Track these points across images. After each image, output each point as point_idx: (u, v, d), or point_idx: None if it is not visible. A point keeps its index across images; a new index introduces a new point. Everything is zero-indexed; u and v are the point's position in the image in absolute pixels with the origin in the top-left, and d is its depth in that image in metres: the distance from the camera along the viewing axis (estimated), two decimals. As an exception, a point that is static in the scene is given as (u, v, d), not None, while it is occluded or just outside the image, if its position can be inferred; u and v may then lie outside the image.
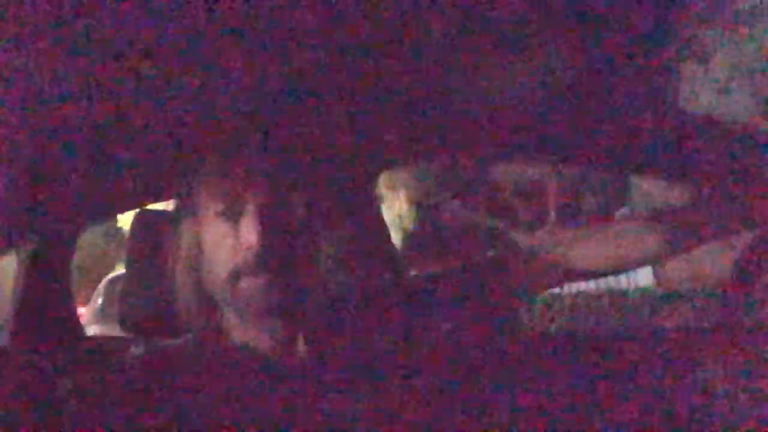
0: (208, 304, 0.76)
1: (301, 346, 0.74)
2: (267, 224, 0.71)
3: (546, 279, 0.89)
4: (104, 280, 3.06)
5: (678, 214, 0.90)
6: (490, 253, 0.93)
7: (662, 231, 0.85)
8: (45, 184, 0.95)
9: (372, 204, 1.01)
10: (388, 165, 1.31)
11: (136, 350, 0.79)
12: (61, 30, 0.61)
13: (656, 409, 0.93)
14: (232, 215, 0.72)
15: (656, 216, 0.91)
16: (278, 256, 0.71)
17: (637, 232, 0.86)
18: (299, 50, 0.72)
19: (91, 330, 2.63)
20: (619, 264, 0.89)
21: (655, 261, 1.08)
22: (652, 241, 0.85)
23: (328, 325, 0.77)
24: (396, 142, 1.04)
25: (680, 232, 0.86)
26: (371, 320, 0.79)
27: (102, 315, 2.81)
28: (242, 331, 0.75)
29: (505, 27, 0.79)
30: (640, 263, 0.90)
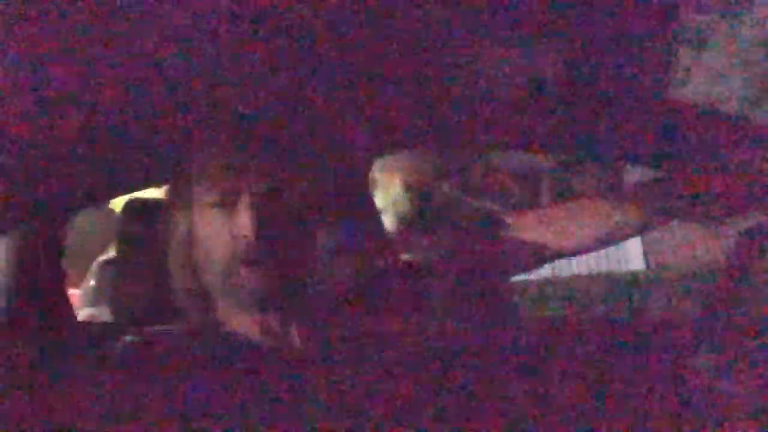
0: (202, 293, 0.76)
1: (295, 336, 0.74)
2: (261, 214, 0.71)
3: (533, 257, 0.91)
4: (95, 262, 3.02)
5: (653, 190, 0.91)
6: (483, 236, 0.93)
7: (636, 207, 0.87)
8: (36, 168, 0.94)
9: (365, 192, 1.01)
10: (382, 153, 1.30)
11: (128, 338, 0.79)
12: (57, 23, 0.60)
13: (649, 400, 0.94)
14: (226, 205, 0.72)
15: (629, 193, 0.92)
16: (273, 246, 0.71)
17: (611, 210, 0.88)
18: (293, 39, 0.72)
19: (84, 312, 2.62)
20: (596, 241, 0.91)
21: (629, 237, 1.10)
22: (627, 217, 0.87)
23: (322, 314, 0.77)
24: (390, 130, 1.03)
25: (654, 207, 0.87)
26: (365, 309, 0.79)
27: (94, 297, 2.78)
28: (236, 321, 0.75)
29: (500, 15, 0.78)
30: (615, 239, 0.93)
